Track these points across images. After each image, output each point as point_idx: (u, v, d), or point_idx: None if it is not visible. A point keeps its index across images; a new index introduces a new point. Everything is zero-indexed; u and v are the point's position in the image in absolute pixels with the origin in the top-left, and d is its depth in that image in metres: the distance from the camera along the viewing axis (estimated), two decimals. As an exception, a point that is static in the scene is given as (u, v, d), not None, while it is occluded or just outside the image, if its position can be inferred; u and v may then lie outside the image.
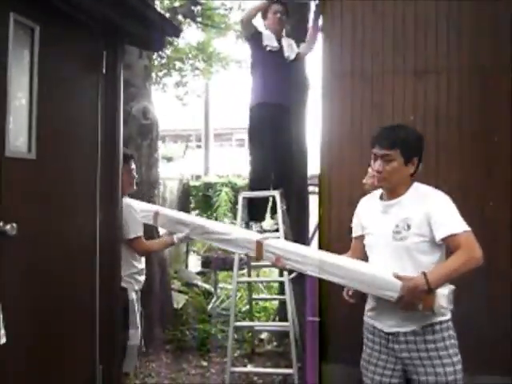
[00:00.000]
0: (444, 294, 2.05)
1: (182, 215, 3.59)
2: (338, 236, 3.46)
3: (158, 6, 6.44)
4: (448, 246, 2.15)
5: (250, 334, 4.99)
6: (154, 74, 7.36)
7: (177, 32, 3.00)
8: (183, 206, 8.86)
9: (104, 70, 2.75)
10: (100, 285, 2.71)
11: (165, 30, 2.88)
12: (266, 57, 4.17)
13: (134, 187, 3.35)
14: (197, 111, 13.47)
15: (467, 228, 2.11)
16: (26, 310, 2.21)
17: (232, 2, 8.06)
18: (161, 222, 3.48)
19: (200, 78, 9.14)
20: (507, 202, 3.42)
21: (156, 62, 7.81)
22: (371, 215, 2.36)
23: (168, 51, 7.98)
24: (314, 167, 5.11)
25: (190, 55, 8.43)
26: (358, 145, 3.69)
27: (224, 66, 8.81)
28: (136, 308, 3.16)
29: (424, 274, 2.04)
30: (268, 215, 4.52)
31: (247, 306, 5.74)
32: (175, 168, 13.11)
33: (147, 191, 5.08)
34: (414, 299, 2.04)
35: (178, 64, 8.50)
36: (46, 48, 2.33)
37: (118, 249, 2.87)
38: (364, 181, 2.84)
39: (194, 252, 8.42)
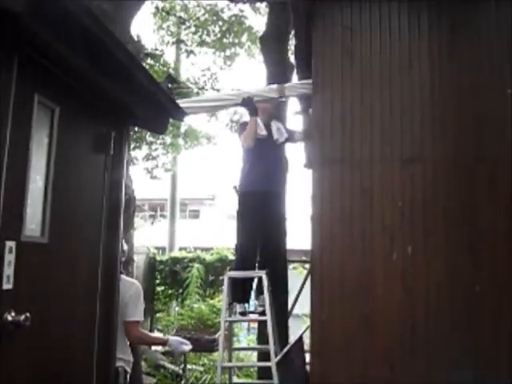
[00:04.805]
0: None
1: None
2: (330, 318, 3.47)
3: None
4: None
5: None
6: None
7: (183, 115, 3.03)
8: (150, 281, 8.59)
9: (112, 151, 2.72)
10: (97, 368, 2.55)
11: (172, 114, 2.90)
12: (256, 145, 4.26)
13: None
14: (162, 182, 13.46)
15: None
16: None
17: (206, 80, 8.32)
18: None
19: (170, 152, 9.21)
20: (493, 286, 3.52)
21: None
22: None
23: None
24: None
25: (162, 130, 8.49)
26: (347, 229, 3.76)
27: (196, 142, 8.95)
28: None
29: None
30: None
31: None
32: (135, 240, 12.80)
33: (124, 267, 4.92)
34: None
35: (148, 138, 8.56)
36: (63, 129, 2.30)
37: (114, 333, 2.74)
38: None
39: (157, 330, 8.07)
